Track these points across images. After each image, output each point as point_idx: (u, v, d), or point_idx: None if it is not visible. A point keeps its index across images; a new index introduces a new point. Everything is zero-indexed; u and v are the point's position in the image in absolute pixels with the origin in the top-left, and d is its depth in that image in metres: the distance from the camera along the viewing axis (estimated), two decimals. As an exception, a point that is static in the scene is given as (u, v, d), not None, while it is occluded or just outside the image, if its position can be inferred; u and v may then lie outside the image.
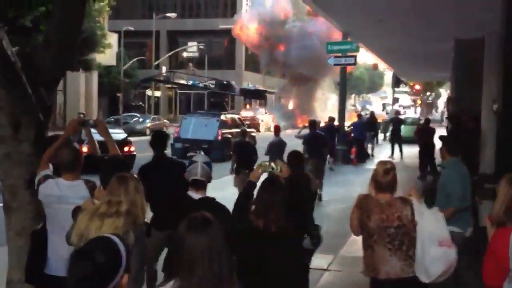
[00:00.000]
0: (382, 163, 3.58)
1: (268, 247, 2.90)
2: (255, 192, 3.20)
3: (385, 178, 3.43)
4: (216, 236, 1.95)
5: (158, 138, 5.13)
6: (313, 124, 11.28)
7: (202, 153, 3.85)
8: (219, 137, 17.75)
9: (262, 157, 8.90)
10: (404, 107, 60.62)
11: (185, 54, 45.70)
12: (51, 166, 3.75)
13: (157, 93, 44.60)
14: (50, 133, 4.49)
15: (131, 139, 16.38)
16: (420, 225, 3.34)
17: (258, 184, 3.28)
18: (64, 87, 30.17)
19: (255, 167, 3.55)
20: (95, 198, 3.20)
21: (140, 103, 43.21)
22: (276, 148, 10.06)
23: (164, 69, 38.51)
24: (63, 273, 3.09)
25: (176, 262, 1.95)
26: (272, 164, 3.43)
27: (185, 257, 1.91)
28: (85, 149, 6.87)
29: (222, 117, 18.87)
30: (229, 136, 18.14)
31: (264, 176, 3.38)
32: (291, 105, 42.57)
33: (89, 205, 3.08)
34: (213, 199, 3.48)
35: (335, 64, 17.19)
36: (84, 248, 1.82)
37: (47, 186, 3.49)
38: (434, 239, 3.29)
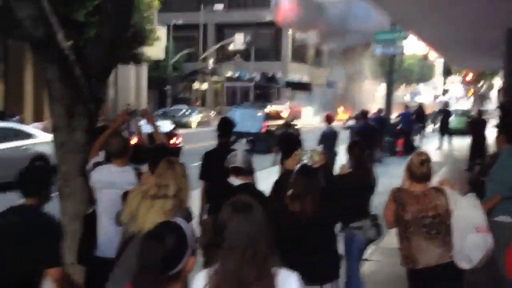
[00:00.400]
0: (417, 154, 3.61)
1: (303, 231, 3.00)
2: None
3: (420, 169, 3.47)
4: (257, 220, 1.99)
5: (224, 125, 5.10)
6: (365, 115, 11.25)
7: (244, 141, 3.95)
8: (264, 129, 17.91)
9: (311, 148, 8.96)
10: (456, 98, 59.04)
11: (231, 47, 46.07)
12: (101, 154, 3.97)
13: (204, 86, 45.19)
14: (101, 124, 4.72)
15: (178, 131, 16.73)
16: (456, 214, 3.36)
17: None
18: (115, 81, 31.06)
19: (292, 156, 3.65)
20: (142, 184, 3.38)
21: (187, 95, 43.74)
22: (328, 138, 10.13)
23: (211, 62, 38.92)
24: (111, 254, 3.30)
25: (217, 246, 2.00)
26: (309, 152, 3.52)
27: (226, 240, 1.96)
28: (134, 140, 7.13)
29: (266, 109, 19.00)
30: (273, 128, 18.28)
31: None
32: (332, 95, 41.92)
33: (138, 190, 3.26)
34: (252, 185, 3.59)
35: (382, 55, 16.97)
36: (153, 232, 1.89)
37: (98, 172, 3.71)
38: (471, 226, 3.30)
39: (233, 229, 1.96)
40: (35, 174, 3.00)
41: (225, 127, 5.09)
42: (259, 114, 18.37)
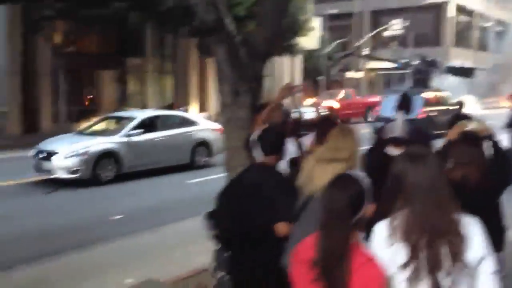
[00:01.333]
0: None
1: (466, 199, 2.90)
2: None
3: None
4: (434, 167, 2.03)
5: (402, 101, 4.87)
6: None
7: (403, 111, 3.87)
8: (422, 115, 17.18)
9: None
10: None
11: (387, 33, 44.74)
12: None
13: (358, 75, 44.59)
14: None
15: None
16: None
17: None
18: (270, 71, 32.14)
19: (454, 127, 3.54)
20: (309, 152, 3.59)
21: (338, 79, 43.31)
22: None
23: (366, 50, 38.30)
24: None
25: (394, 199, 2.04)
26: (473, 123, 3.40)
27: (408, 190, 1.99)
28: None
29: (425, 94, 18.18)
30: (434, 114, 17.45)
31: None
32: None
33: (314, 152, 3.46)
34: None
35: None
36: (336, 182, 2.07)
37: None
38: None
39: (414, 178, 2.00)
40: (273, 136, 3.26)
41: (405, 103, 4.97)
42: (417, 99, 17.66)
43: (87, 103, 24.04)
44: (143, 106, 24.39)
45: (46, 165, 11.20)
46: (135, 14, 21.16)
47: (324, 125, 3.73)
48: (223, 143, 4.98)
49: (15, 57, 20.91)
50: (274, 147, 3.20)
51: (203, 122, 14.34)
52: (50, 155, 11.21)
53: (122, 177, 11.63)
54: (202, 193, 10.14)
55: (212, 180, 11.20)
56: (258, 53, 4.80)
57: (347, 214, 1.97)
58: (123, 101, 24.78)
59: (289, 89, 4.18)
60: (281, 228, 2.93)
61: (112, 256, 6.39)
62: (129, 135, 12.07)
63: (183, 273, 5.48)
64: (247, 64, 4.68)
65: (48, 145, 11.78)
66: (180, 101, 24.90)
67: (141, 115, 13.22)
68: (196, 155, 13.51)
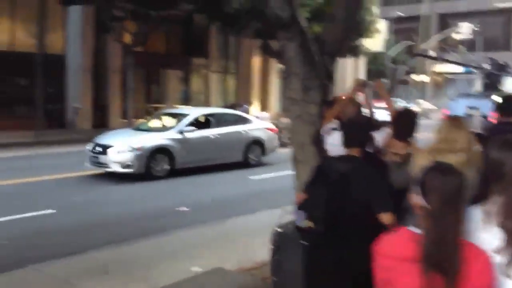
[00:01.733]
0: None
1: None
2: None
3: None
4: None
5: (506, 102, 4.90)
6: None
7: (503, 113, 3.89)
8: (492, 120, 16.56)
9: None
10: None
11: (454, 36, 43.42)
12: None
13: (424, 78, 43.52)
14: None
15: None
16: None
17: None
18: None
19: None
20: (387, 146, 3.63)
21: (406, 78, 42.33)
22: None
23: (432, 53, 37.35)
24: None
25: (489, 185, 2.06)
26: None
27: (504, 178, 2.00)
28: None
29: (494, 97, 17.52)
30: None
31: None
32: None
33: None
34: None
35: None
36: (442, 166, 2.04)
37: (332, 136, 4.05)
38: None
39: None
40: (356, 129, 3.37)
41: (505, 105, 4.87)
42: (487, 103, 17.06)
43: (153, 100, 24.82)
44: (206, 104, 24.92)
45: (101, 159, 11.44)
46: (202, 16, 21.70)
47: (403, 119, 3.78)
48: (290, 138, 5.08)
49: (88, 55, 21.93)
50: (358, 140, 3.29)
51: (257, 121, 14.41)
52: (105, 149, 11.44)
53: (174, 173, 11.79)
54: (265, 189, 10.35)
55: (277, 177, 11.37)
56: (329, 50, 4.87)
57: (460, 198, 1.93)
58: (187, 100, 25.42)
59: (362, 85, 4.21)
60: (386, 218, 3.02)
61: (179, 244, 6.63)
62: (182, 132, 12.14)
63: (247, 264, 5.62)
64: (318, 61, 4.76)
65: (104, 139, 12.01)
66: (242, 101, 25.25)
67: (194, 112, 13.36)
68: (249, 154, 13.50)
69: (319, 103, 4.76)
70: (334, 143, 4.05)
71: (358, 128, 3.34)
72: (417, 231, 1.96)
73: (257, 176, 12.08)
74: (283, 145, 18.05)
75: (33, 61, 18.96)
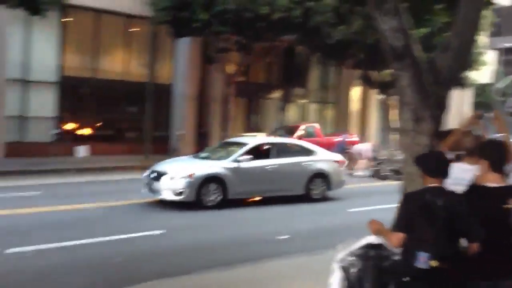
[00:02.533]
0: None
1: None
2: None
3: None
4: None
5: None
6: None
7: None
8: None
9: None
10: None
11: None
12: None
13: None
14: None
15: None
16: None
17: None
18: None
19: None
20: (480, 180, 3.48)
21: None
22: None
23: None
24: None
25: None
26: None
27: None
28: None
29: None
30: None
31: None
32: None
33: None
34: None
35: None
36: None
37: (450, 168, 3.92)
38: None
39: None
40: (440, 159, 3.50)
41: None
42: None
43: (251, 128, 25.39)
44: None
45: (156, 185, 11.31)
46: (303, 47, 22.03)
47: (497, 149, 3.64)
48: (402, 169, 4.96)
49: (194, 85, 23.02)
50: (443, 170, 3.41)
51: (321, 152, 13.40)
52: (159, 175, 11.36)
53: (227, 203, 11.34)
54: (361, 221, 10.10)
55: (373, 210, 11.08)
56: (443, 80, 4.74)
57: None
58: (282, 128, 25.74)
59: (477, 117, 4.06)
60: (474, 248, 3.22)
61: (283, 270, 6.67)
62: (237, 161, 11.75)
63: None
64: (432, 91, 4.65)
65: (161, 166, 11.90)
66: (341, 130, 25.09)
67: (253, 141, 12.83)
68: (311, 186, 12.73)
69: (431, 134, 4.63)
70: (451, 175, 3.92)
71: (440, 160, 3.48)
72: None
73: (362, 208, 11.80)
74: (383, 178, 17.66)
75: (143, 90, 20.26)
